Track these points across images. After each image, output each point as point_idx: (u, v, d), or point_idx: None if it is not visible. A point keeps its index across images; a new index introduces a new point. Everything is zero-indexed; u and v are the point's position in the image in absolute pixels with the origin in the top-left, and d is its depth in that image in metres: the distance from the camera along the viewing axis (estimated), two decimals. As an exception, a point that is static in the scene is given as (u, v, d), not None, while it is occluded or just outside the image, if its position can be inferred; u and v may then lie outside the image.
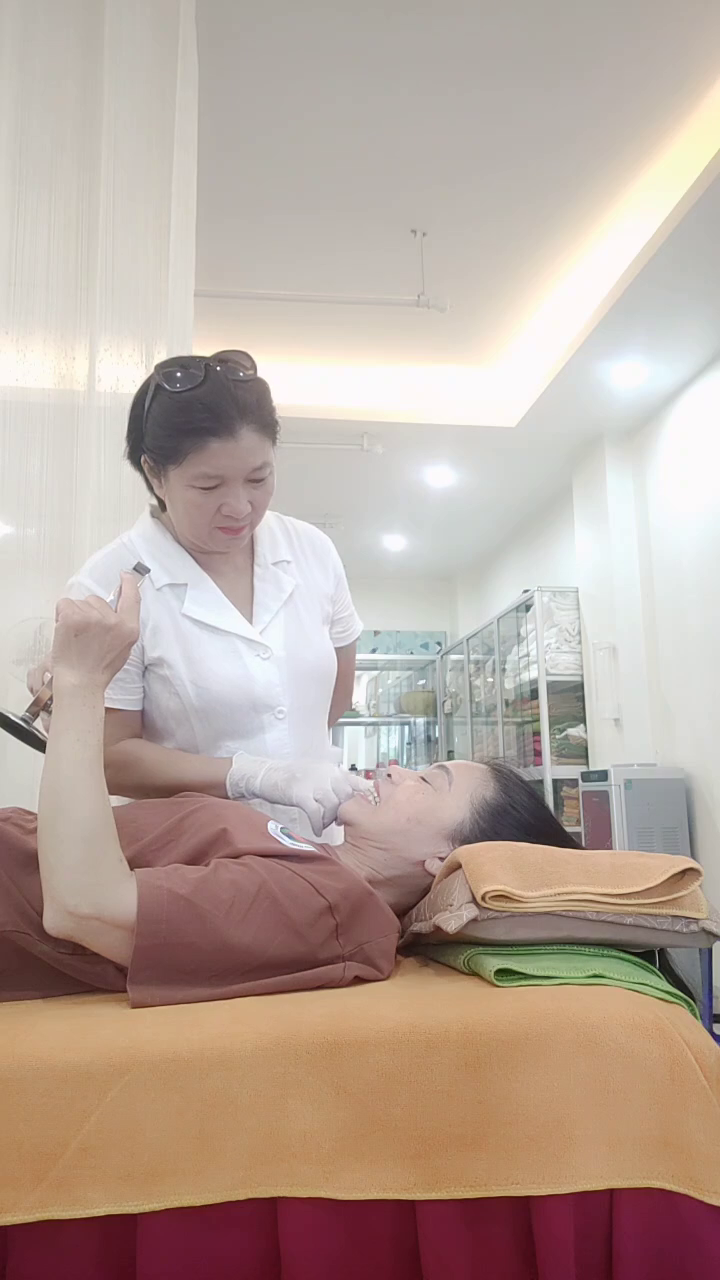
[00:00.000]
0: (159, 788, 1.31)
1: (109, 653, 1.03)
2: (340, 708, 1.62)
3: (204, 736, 1.36)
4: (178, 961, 0.92)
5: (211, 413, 1.23)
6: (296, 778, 1.25)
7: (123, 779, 1.32)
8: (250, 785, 1.28)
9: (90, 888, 0.92)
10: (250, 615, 1.39)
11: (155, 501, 1.40)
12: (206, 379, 1.24)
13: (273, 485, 1.31)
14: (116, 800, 1.21)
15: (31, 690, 1.11)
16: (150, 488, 1.36)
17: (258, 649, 1.37)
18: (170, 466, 1.27)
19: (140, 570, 1.15)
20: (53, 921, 0.93)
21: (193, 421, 1.23)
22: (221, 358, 1.28)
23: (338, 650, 1.50)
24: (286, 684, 1.38)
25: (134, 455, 1.35)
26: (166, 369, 1.26)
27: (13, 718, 1.10)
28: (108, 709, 1.23)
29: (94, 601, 1.04)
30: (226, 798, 1.28)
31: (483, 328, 3.91)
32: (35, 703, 1.10)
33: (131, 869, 1.02)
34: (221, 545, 1.35)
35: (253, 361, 1.30)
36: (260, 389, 1.28)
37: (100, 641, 1.02)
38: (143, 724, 1.40)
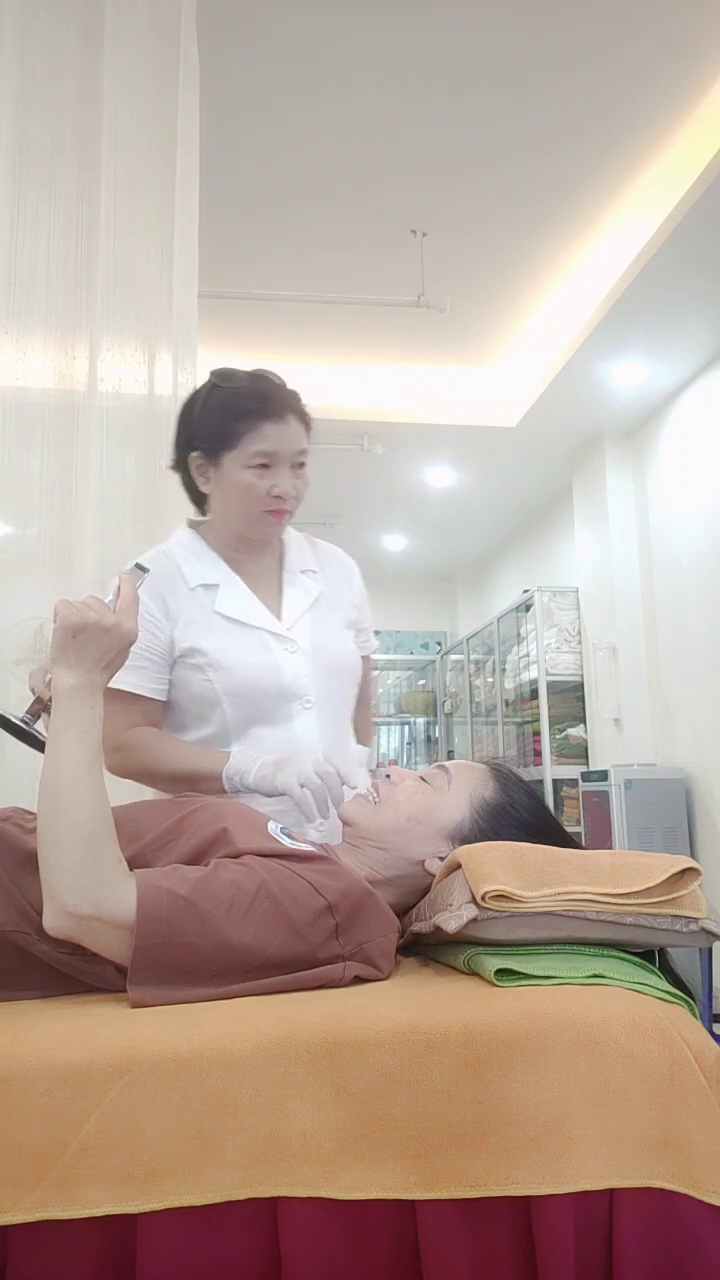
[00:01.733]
0: (161, 774, 1.40)
1: (108, 653, 1.02)
2: (366, 721, 1.69)
3: (235, 723, 1.43)
4: (177, 961, 0.92)
5: (266, 399, 1.42)
6: (281, 767, 1.30)
7: (130, 763, 1.40)
8: (244, 780, 1.32)
9: (90, 887, 0.92)
10: (279, 614, 1.50)
11: (192, 515, 1.56)
12: (255, 378, 1.45)
13: (308, 479, 1.46)
14: (116, 800, 1.21)
15: (33, 691, 1.11)
16: (192, 491, 1.51)
17: (285, 643, 1.47)
18: (225, 453, 1.43)
19: (139, 569, 1.15)
20: (52, 922, 0.92)
21: (250, 406, 1.41)
22: (261, 372, 1.47)
23: (362, 660, 1.60)
24: (313, 676, 1.46)
25: (181, 457, 1.49)
26: (219, 373, 1.46)
27: (13, 719, 1.10)
28: (130, 694, 1.40)
29: (92, 602, 1.03)
30: (224, 791, 1.31)
31: (483, 328, 3.90)
32: (36, 703, 1.10)
33: (131, 869, 1.02)
34: (266, 530, 1.47)
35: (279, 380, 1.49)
36: (297, 394, 1.47)
37: (99, 642, 1.01)
38: (165, 714, 1.48)
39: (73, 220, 1.82)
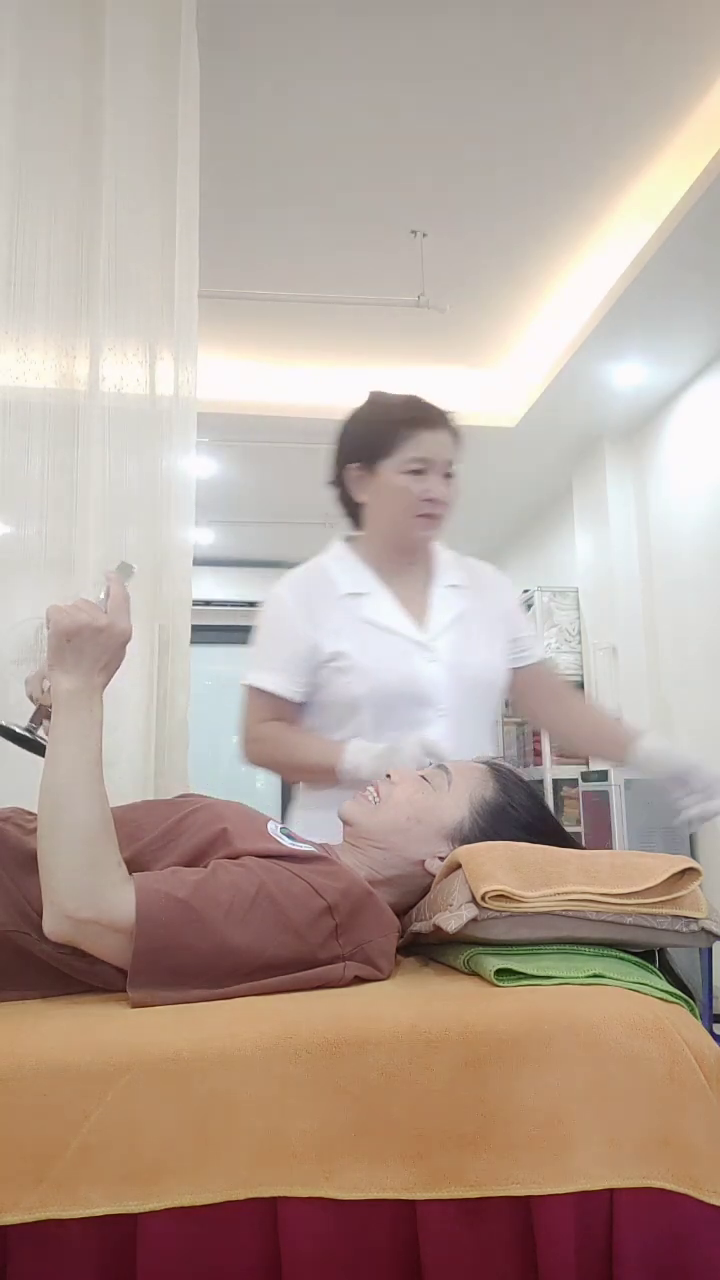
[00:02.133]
0: (287, 765, 1.56)
1: (104, 654, 1.01)
2: (589, 707, 1.82)
3: (371, 726, 1.50)
4: (177, 965, 0.92)
5: (422, 410, 1.56)
6: (390, 757, 1.36)
7: (264, 754, 1.55)
8: (359, 772, 1.39)
9: (89, 890, 0.92)
10: (423, 624, 1.57)
11: (347, 533, 1.68)
12: (410, 396, 1.59)
13: (457, 491, 1.57)
14: (116, 800, 1.21)
15: (32, 699, 1.10)
16: (348, 505, 1.63)
17: (426, 651, 1.54)
18: (382, 460, 1.55)
19: (124, 570, 1.14)
20: (52, 925, 0.92)
21: (406, 415, 1.55)
22: (415, 395, 1.61)
23: (530, 667, 1.68)
24: (449, 685, 1.52)
25: (337, 472, 1.62)
26: (376, 391, 1.63)
27: (17, 729, 1.10)
28: (268, 693, 1.53)
29: (83, 605, 1.02)
30: (340, 782, 1.41)
31: (483, 328, 3.90)
32: (38, 712, 1.09)
33: (131, 869, 1.02)
34: (418, 534, 1.57)
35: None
36: (449, 412, 1.59)
37: (93, 644, 1.00)
38: (309, 716, 1.57)
39: (74, 220, 1.82)
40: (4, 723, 1.11)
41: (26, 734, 1.09)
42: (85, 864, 0.93)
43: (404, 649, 1.53)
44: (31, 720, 1.09)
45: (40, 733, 1.09)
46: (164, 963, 0.91)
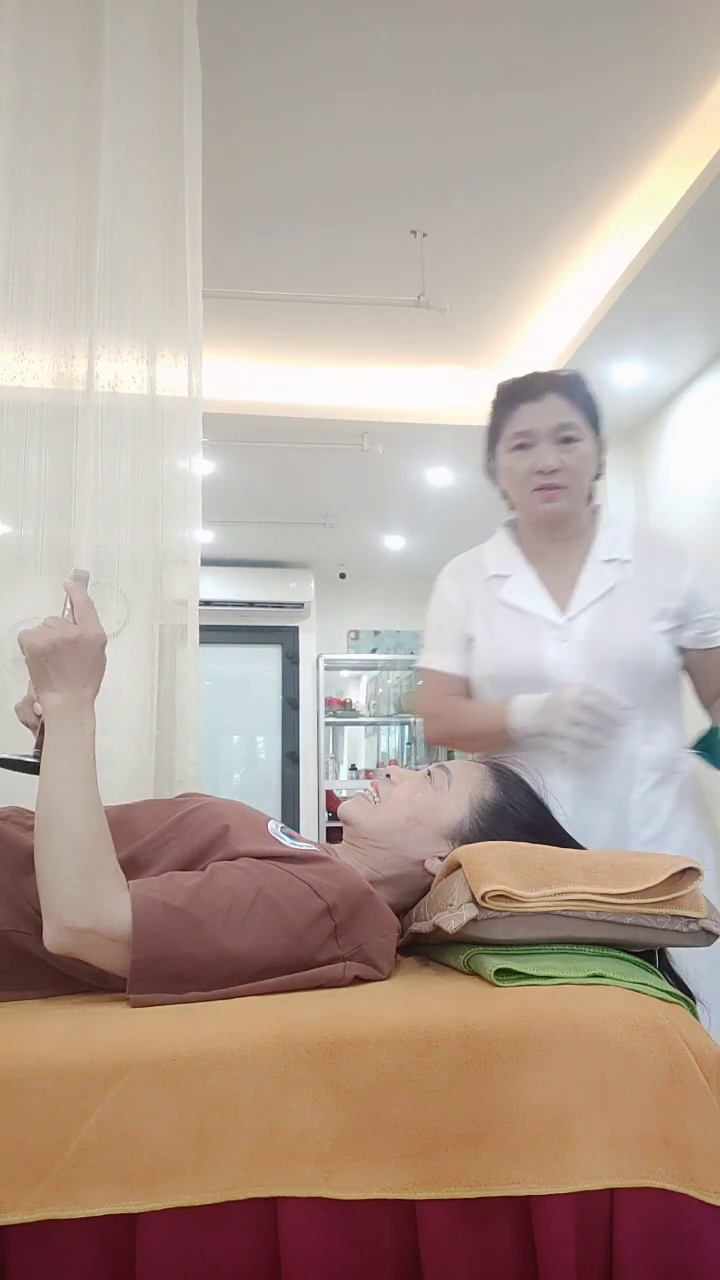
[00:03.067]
0: (461, 735, 1.61)
1: (84, 663, 1.01)
2: None
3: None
4: (177, 972, 0.92)
5: (522, 384, 1.54)
6: (547, 711, 1.40)
7: (441, 729, 1.62)
8: (525, 730, 1.43)
9: (86, 899, 0.92)
10: (567, 603, 1.54)
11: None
12: (530, 373, 1.57)
13: (588, 456, 1.52)
14: (114, 800, 1.21)
15: (28, 725, 1.10)
16: (502, 492, 1.63)
17: (558, 631, 1.52)
18: (498, 444, 1.56)
19: (80, 577, 1.14)
20: (51, 938, 0.92)
21: (507, 394, 1.55)
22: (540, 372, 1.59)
23: (709, 652, 1.58)
24: (581, 666, 1.49)
25: (485, 462, 1.63)
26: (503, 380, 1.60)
27: (23, 759, 1.09)
28: (436, 671, 1.62)
29: (51, 622, 1.02)
30: (509, 746, 1.45)
31: (483, 328, 3.90)
32: (39, 735, 1.09)
33: (129, 868, 1.02)
34: (542, 510, 1.53)
35: (577, 372, 1.59)
36: (573, 375, 1.57)
37: (71, 657, 1.00)
38: (471, 694, 1.61)
39: (72, 220, 1.82)
40: (11, 755, 1.10)
41: (35, 761, 1.08)
42: (81, 875, 0.93)
43: (533, 629, 1.52)
44: (36, 747, 1.09)
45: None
46: (163, 970, 0.91)
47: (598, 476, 1.62)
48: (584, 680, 1.41)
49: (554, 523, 1.56)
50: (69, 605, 1.06)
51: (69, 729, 1.00)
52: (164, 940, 0.91)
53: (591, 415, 1.54)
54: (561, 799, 1.33)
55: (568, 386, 1.52)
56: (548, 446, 1.49)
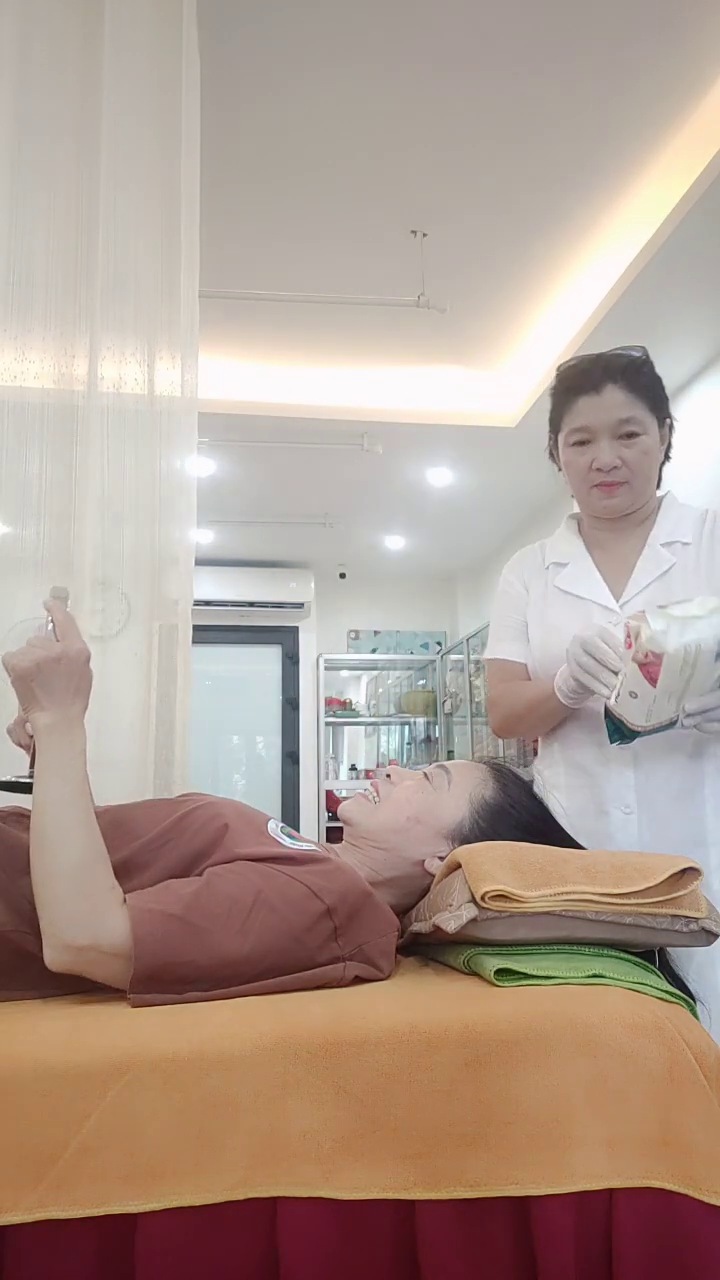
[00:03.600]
0: (520, 714, 1.54)
1: (70, 680, 1.01)
2: None
3: None
4: (178, 977, 0.92)
5: (580, 373, 1.47)
6: (569, 659, 1.35)
7: (501, 717, 1.58)
8: (566, 686, 1.38)
9: (85, 916, 0.92)
10: (622, 589, 1.51)
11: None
12: (594, 356, 1.49)
13: (651, 449, 1.46)
14: (114, 800, 1.21)
15: (21, 746, 1.10)
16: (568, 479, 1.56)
17: (611, 617, 1.47)
18: (559, 435, 1.51)
19: (59, 594, 1.13)
20: (52, 958, 0.92)
21: (566, 385, 1.48)
22: (609, 352, 1.49)
23: None
24: None
25: (551, 449, 1.58)
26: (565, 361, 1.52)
27: (18, 780, 1.09)
28: (499, 660, 1.61)
29: (34, 642, 1.02)
30: (564, 709, 1.42)
31: (483, 328, 3.90)
32: (33, 757, 1.09)
33: (130, 868, 1.02)
34: (601, 506, 1.50)
35: (642, 349, 1.51)
36: (636, 358, 1.48)
37: (56, 674, 1.00)
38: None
39: (72, 219, 1.82)
40: (6, 778, 1.10)
41: (32, 780, 1.08)
42: (79, 893, 0.93)
43: (586, 615, 1.50)
44: (30, 767, 1.09)
45: None
46: (165, 977, 0.92)
47: (665, 461, 1.57)
48: (603, 626, 1.36)
49: (611, 516, 1.54)
50: (49, 624, 1.05)
51: (60, 747, 1.00)
52: (164, 949, 0.91)
53: (655, 401, 1.48)
54: (624, 790, 1.39)
55: (629, 375, 1.44)
56: (607, 443, 1.44)
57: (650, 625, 1.22)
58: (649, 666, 1.22)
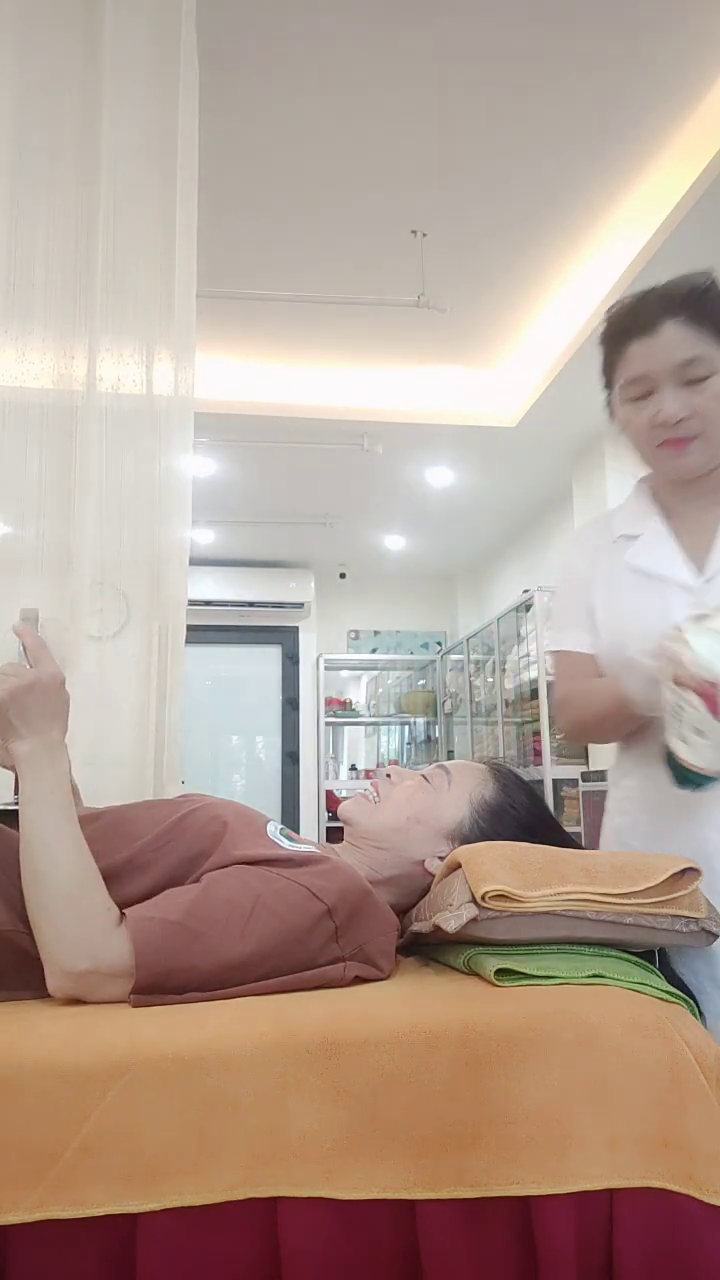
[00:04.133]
0: (591, 720, 1.32)
1: (47, 706, 1.00)
2: None
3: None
4: (179, 985, 0.92)
5: (631, 312, 1.23)
6: (660, 657, 1.11)
7: (570, 719, 1.36)
8: (639, 688, 1.15)
9: (84, 941, 0.92)
10: (704, 563, 1.29)
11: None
12: (644, 291, 1.23)
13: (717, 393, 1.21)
14: (113, 802, 1.21)
15: (7, 768, 1.09)
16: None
17: (691, 596, 1.25)
18: (613, 391, 1.27)
19: (28, 616, 1.12)
20: (55, 984, 0.93)
21: (615, 329, 1.24)
22: (665, 284, 1.24)
23: None
24: None
25: (607, 405, 1.33)
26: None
27: (5, 809, 1.08)
28: (564, 652, 1.36)
29: (6, 669, 1.01)
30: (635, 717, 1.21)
31: (483, 328, 3.90)
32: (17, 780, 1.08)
33: (130, 870, 1.02)
34: (671, 467, 1.28)
35: (706, 273, 1.24)
36: (698, 284, 1.22)
37: (31, 701, 0.99)
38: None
39: (72, 220, 1.82)
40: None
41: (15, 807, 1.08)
42: (75, 920, 0.93)
43: (661, 594, 1.27)
44: (16, 792, 1.08)
45: None
46: (166, 984, 0.92)
47: None
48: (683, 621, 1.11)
49: (687, 477, 1.30)
50: (21, 649, 1.03)
51: (41, 774, 0.99)
52: (165, 956, 0.91)
53: None
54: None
55: (690, 306, 1.19)
56: (670, 391, 1.20)
57: (692, 646, 1.03)
58: (709, 695, 1.01)
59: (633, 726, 1.27)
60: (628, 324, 1.22)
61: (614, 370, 1.26)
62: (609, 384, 1.29)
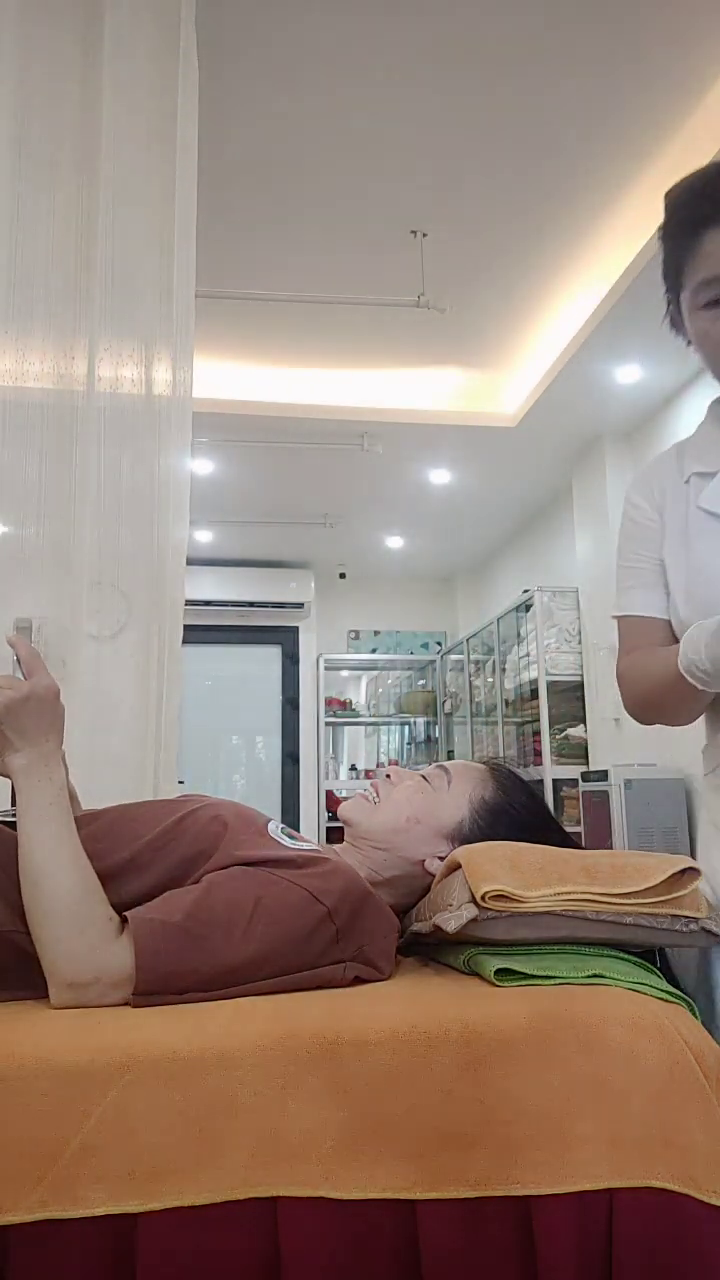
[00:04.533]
0: (652, 697, 1.13)
1: (42, 717, 1.00)
2: None
3: None
4: (181, 986, 0.92)
5: (701, 196, 0.99)
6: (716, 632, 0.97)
7: (628, 697, 1.17)
8: (700, 667, 0.99)
9: (85, 952, 0.92)
10: None
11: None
12: (706, 171, 1.01)
13: None
14: (115, 801, 1.21)
15: (5, 776, 1.09)
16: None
17: None
18: (681, 293, 1.05)
19: (20, 626, 1.11)
20: (56, 996, 0.92)
21: (679, 215, 1.01)
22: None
23: None
24: None
25: (671, 313, 1.12)
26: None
27: (4, 819, 1.08)
28: (624, 618, 1.16)
29: (0, 682, 1.00)
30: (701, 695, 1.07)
31: (483, 328, 3.90)
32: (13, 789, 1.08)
33: (130, 870, 1.02)
34: None
35: None
36: None
37: (27, 714, 0.99)
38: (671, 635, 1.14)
39: (72, 220, 1.82)
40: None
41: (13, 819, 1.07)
42: (76, 931, 0.93)
43: None
44: (13, 803, 1.08)
45: None
46: (167, 986, 0.92)
47: None
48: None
49: None
50: (15, 661, 1.02)
51: (38, 786, 0.99)
52: (166, 959, 0.91)
53: None
54: None
55: None
56: None
57: None
58: None
59: (704, 703, 1.11)
60: (701, 210, 0.99)
61: (683, 269, 1.03)
62: (674, 287, 1.07)
